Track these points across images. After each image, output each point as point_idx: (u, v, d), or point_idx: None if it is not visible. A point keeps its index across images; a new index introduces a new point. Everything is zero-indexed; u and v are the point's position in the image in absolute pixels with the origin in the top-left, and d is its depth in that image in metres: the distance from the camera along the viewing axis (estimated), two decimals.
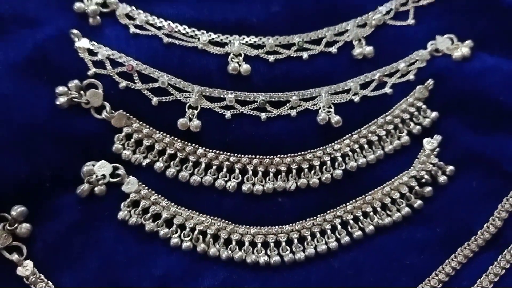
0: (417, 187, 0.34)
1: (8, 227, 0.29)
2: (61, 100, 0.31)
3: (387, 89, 0.35)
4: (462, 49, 0.37)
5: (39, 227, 0.30)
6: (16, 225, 0.29)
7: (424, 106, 0.35)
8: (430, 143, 0.35)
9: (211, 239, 0.31)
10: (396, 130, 0.35)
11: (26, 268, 0.29)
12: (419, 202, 0.34)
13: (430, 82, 0.36)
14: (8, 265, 0.29)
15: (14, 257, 0.29)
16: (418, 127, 0.35)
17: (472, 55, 0.37)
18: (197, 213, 0.32)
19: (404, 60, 0.36)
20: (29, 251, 0.29)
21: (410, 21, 0.37)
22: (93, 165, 0.31)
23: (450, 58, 0.36)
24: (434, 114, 0.35)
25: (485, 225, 0.34)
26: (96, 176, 0.31)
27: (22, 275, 0.29)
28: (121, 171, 0.31)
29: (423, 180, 0.34)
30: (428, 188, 0.34)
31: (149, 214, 0.31)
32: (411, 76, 0.36)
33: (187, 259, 0.30)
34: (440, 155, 0.35)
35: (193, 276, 0.30)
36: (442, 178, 0.34)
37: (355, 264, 0.32)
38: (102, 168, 0.31)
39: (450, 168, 0.35)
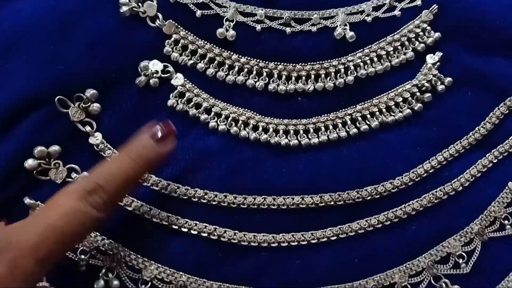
0: (418, 93, 0.40)
1: (83, 105, 0.37)
2: (124, 9, 0.38)
3: (396, 12, 0.42)
4: None
5: (106, 110, 0.38)
6: (89, 104, 0.37)
7: (428, 28, 0.41)
8: (432, 58, 0.41)
9: (242, 125, 0.39)
10: (403, 47, 0.41)
11: (96, 138, 0.37)
12: (419, 105, 0.40)
13: (435, 6, 0.42)
14: (82, 136, 0.37)
15: (87, 129, 0.37)
16: (422, 45, 0.41)
17: None
18: (231, 105, 0.39)
19: None
20: (98, 127, 0.37)
21: None
22: (148, 63, 0.38)
23: None
24: (437, 34, 0.41)
25: (476, 128, 0.40)
26: (151, 71, 0.38)
27: (93, 143, 0.37)
28: (170, 68, 0.39)
29: (424, 88, 0.40)
30: (428, 94, 0.40)
31: (192, 103, 0.39)
32: (418, 2, 0.42)
33: (222, 138, 0.38)
34: (440, 70, 0.41)
35: (227, 151, 0.37)
36: (440, 87, 0.41)
37: (360, 151, 0.38)
38: (155, 65, 0.38)
39: (448, 79, 0.41)
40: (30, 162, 0.36)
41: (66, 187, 0.30)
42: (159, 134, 0.33)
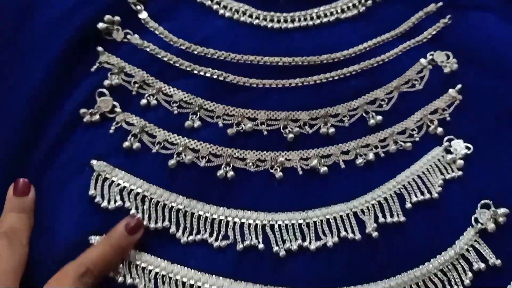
0: (363, 1, 0.60)
1: None
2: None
3: None
4: None
5: None
6: None
7: None
8: None
9: None
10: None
11: (143, 14, 0.56)
12: (363, 8, 0.59)
13: None
14: (134, 12, 0.56)
15: (138, 7, 0.56)
16: None
17: None
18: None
19: None
20: (145, 8, 0.56)
21: None
22: None
23: None
24: None
25: (401, 25, 0.59)
26: None
27: (141, 18, 0.56)
28: None
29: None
30: (369, 1, 0.59)
31: None
32: None
33: (226, 22, 0.57)
34: None
35: (229, 37, 0.56)
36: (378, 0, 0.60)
37: (323, 36, 0.57)
38: None
39: None
40: (101, 25, 0.55)
41: (65, 269, 0.40)
42: (131, 225, 0.42)
